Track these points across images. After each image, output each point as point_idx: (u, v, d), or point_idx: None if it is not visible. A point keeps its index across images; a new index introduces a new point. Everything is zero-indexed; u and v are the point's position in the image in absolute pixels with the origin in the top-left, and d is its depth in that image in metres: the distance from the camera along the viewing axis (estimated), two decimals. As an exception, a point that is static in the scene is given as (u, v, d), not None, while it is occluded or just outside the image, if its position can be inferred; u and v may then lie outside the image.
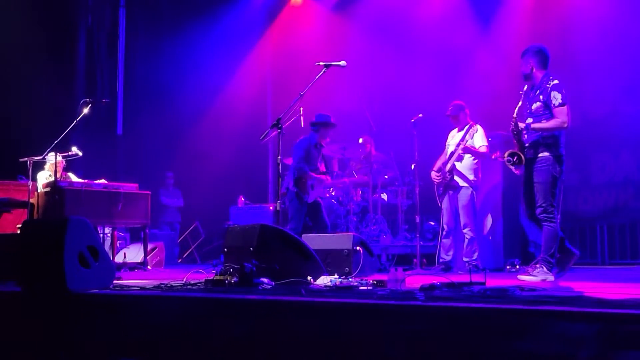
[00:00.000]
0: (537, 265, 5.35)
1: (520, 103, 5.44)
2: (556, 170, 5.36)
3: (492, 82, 9.22)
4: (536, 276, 5.24)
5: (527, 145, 5.44)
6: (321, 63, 5.89)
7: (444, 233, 7.22)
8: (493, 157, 5.73)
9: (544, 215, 5.36)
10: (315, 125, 7.47)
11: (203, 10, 11.73)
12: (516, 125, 5.40)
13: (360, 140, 9.20)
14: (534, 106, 5.45)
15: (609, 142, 8.48)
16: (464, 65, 9.64)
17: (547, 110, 5.35)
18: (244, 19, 12.02)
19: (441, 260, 7.13)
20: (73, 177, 8.42)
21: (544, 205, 5.35)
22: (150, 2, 12.18)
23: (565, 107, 5.30)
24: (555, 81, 5.38)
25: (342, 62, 5.86)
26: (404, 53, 10.29)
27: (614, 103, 8.14)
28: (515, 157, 5.37)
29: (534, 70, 5.49)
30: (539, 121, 5.40)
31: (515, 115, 5.41)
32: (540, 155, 5.38)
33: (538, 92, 5.45)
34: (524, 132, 5.43)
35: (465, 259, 6.96)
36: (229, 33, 11.82)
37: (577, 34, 8.66)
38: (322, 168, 7.62)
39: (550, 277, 5.25)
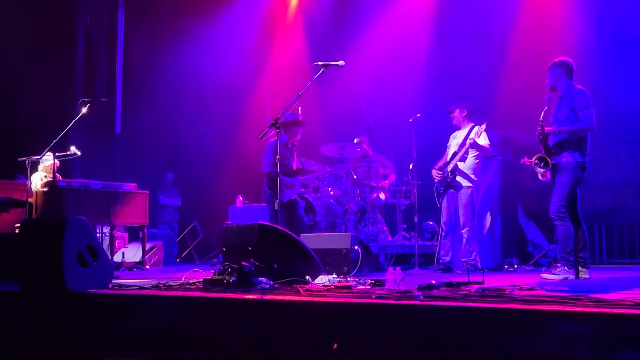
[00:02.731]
0: (559, 265, 5.51)
1: (546, 108, 5.61)
2: (577, 176, 5.53)
3: (490, 82, 9.22)
4: (558, 275, 5.40)
5: (552, 149, 5.58)
6: (319, 63, 5.88)
7: (443, 234, 7.22)
8: (521, 161, 5.81)
9: (556, 214, 5.52)
10: (284, 124, 7.30)
11: (202, 9, 11.71)
12: (542, 129, 5.55)
13: (355, 140, 9.14)
14: (560, 112, 5.61)
15: (607, 141, 8.48)
16: (463, 65, 9.63)
17: (573, 114, 5.52)
18: (243, 18, 12.02)
19: (441, 261, 7.12)
20: None
21: (557, 204, 5.51)
22: (148, 2, 12.16)
23: (590, 110, 5.48)
24: (580, 87, 5.60)
25: (341, 62, 5.85)
26: (402, 52, 10.28)
27: (612, 102, 8.15)
28: (543, 162, 5.55)
29: (560, 80, 5.65)
30: (566, 124, 5.54)
31: (541, 119, 5.57)
32: (564, 159, 5.53)
33: (564, 99, 5.62)
34: (550, 136, 5.56)
35: (463, 259, 6.95)
36: (228, 32, 11.82)
37: (574, 32, 8.66)
38: (296, 166, 7.71)
39: (571, 276, 5.42)
